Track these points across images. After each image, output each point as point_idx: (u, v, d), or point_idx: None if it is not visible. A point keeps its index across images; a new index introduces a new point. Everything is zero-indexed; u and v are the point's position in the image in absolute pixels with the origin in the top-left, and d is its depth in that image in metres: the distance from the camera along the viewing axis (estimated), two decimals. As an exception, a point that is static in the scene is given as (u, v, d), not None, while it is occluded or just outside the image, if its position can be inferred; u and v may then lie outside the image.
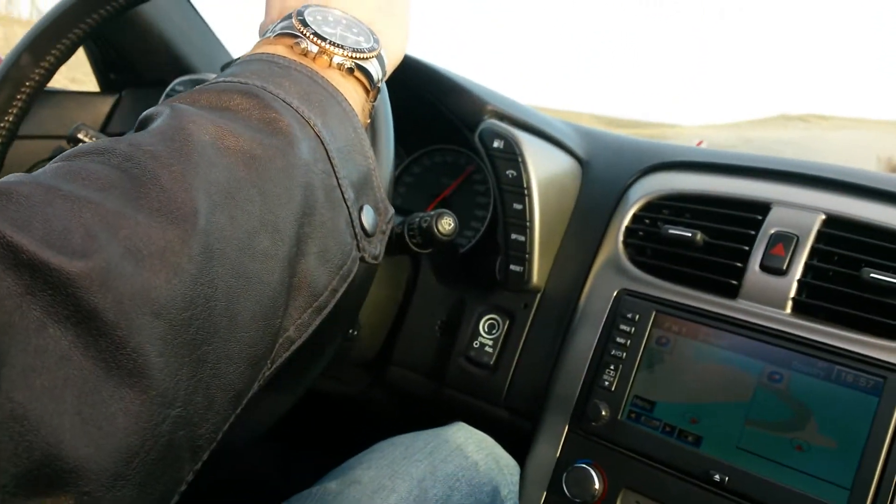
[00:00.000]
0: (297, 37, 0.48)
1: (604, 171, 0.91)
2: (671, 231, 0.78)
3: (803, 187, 0.77)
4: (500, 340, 0.87)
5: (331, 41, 0.48)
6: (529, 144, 0.86)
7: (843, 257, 0.70)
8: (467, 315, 0.91)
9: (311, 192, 0.42)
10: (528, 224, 0.84)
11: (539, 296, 0.87)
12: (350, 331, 0.84)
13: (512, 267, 0.86)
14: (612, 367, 0.77)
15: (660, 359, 0.75)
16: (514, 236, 0.85)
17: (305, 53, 0.48)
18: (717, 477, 0.69)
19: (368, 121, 0.58)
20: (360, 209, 0.48)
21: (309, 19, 0.49)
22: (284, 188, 0.39)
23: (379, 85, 0.54)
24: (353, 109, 0.50)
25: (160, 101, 1.06)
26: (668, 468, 0.71)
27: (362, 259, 0.48)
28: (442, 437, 0.76)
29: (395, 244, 0.76)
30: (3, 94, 0.74)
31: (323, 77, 0.48)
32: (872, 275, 0.67)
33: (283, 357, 0.41)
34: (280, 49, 0.49)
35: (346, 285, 0.45)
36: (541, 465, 0.79)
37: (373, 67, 0.52)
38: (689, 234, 0.77)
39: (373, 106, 0.57)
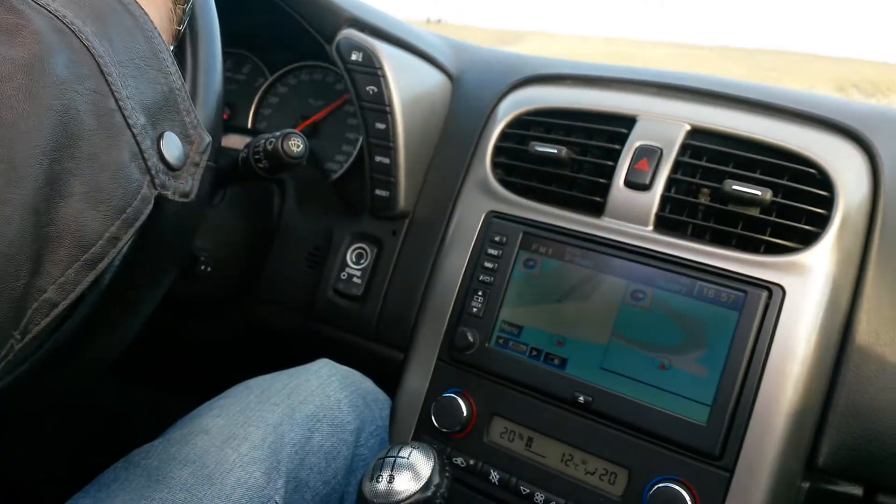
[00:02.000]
0: None
1: (474, 87, 0.86)
2: (538, 148, 0.74)
3: (670, 98, 0.74)
4: (369, 270, 0.83)
5: None
6: (392, 58, 0.79)
7: (707, 169, 0.68)
8: (335, 245, 0.85)
9: (70, 117, 0.33)
10: (391, 145, 0.79)
11: (407, 221, 0.83)
12: (201, 266, 0.77)
13: (377, 192, 0.81)
14: (480, 293, 0.74)
15: (527, 281, 0.72)
16: (377, 158, 0.80)
17: None
18: (581, 398, 0.67)
19: (179, 28, 0.49)
20: (159, 137, 0.40)
21: None
22: (24, 113, 0.32)
23: None
24: (147, 16, 0.42)
25: None
26: (536, 392, 0.70)
27: (163, 198, 0.41)
28: (303, 376, 0.71)
29: (242, 171, 0.69)
30: None
31: None
32: (735, 186, 0.65)
33: (43, 324, 0.34)
34: None
35: (132, 231, 0.37)
36: (411, 397, 0.76)
37: None
38: (556, 151, 0.73)
39: (184, 11, 0.49)
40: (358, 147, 0.94)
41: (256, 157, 0.68)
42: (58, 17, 0.35)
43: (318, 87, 1.01)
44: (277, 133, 0.68)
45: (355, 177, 0.93)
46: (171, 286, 0.59)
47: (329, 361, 0.75)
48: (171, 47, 0.48)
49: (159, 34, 0.42)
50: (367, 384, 0.76)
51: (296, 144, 0.66)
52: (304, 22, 0.82)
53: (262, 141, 0.68)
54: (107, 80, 0.37)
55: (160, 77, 0.41)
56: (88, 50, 0.36)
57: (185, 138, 0.43)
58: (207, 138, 0.45)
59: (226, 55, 1.09)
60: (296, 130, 0.68)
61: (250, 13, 0.91)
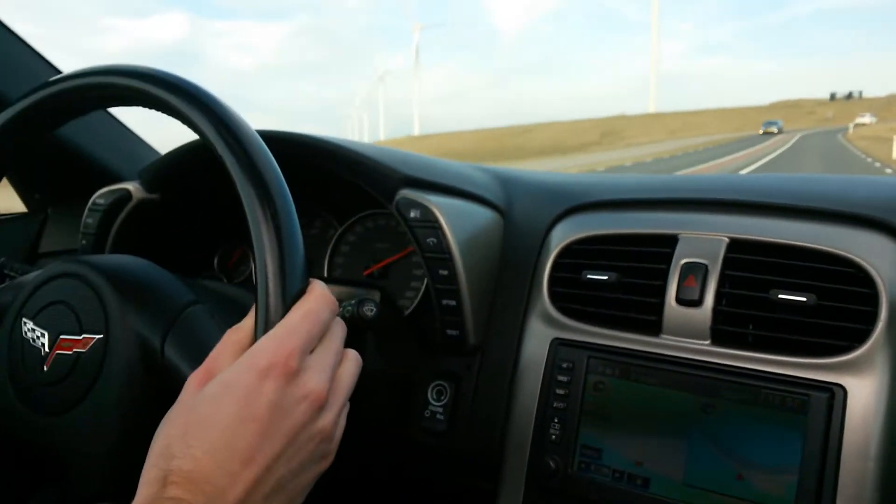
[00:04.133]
0: None
1: (523, 219, 0.92)
2: (589, 276, 0.79)
3: (708, 212, 0.78)
4: (450, 405, 0.88)
5: None
6: (446, 208, 0.87)
7: (753, 280, 0.71)
8: (414, 386, 0.91)
9: None
10: (455, 288, 0.85)
11: (479, 355, 0.88)
12: None
13: (448, 332, 0.87)
14: (556, 419, 0.78)
15: (599, 404, 0.76)
16: (444, 302, 0.86)
17: None
18: None
19: None
20: None
21: None
22: None
23: None
24: None
25: (84, 216, 1.07)
26: None
27: None
28: None
29: None
30: None
31: None
32: (781, 295, 0.68)
33: None
34: None
35: None
36: (506, 529, 0.80)
37: None
38: (606, 277, 0.78)
39: None
40: (424, 283, 1.01)
41: None
42: None
43: (383, 231, 1.10)
44: (353, 301, 0.76)
45: (426, 312, 0.99)
46: None
47: None
48: None
49: None
50: None
51: (369, 310, 0.74)
52: (364, 186, 0.91)
53: (340, 309, 0.76)
54: None
55: None
56: None
57: None
58: None
59: (298, 211, 1.20)
60: (368, 297, 0.75)
61: (317, 178, 1.02)
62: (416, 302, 1.01)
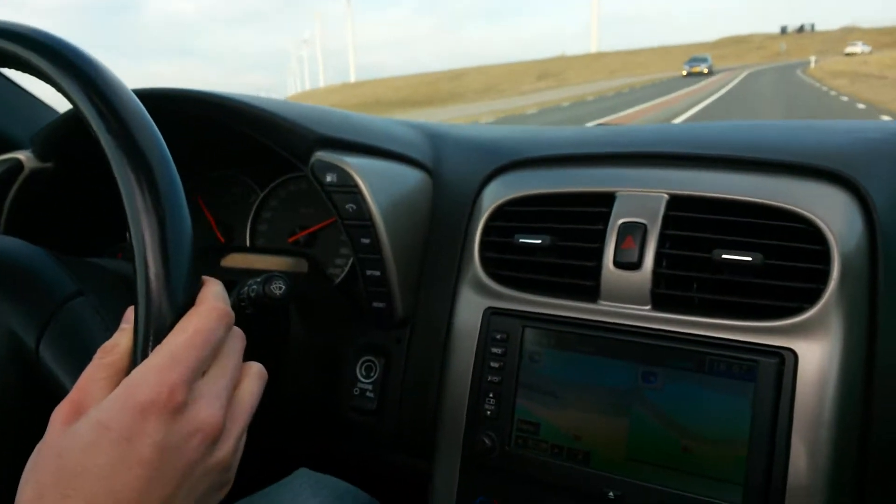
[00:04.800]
0: None
1: (453, 179, 0.85)
2: (521, 240, 0.73)
3: (647, 167, 0.72)
4: (380, 382, 0.82)
5: None
6: (366, 170, 0.79)
7: (694, 240, 0.66)
8: (342, 362, 0.85)
9: None
10: (379, 258, 0.78)
11: (409, 328, 0.82)
12: None
13: (374, 304, 0.81)
14: (491, 394, 0.73)
15: (536, 376, 0.71)
16: (368, 272, 0.80)
17: None
18: (611, 494, 0.65)
19: None
20: None
21: None
22: None
23: None
24: None
25: None
26: (564, 491, 0.68)
27: None
28: (277, 493, 0.71)
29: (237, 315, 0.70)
30: None
31: None
32: (725, 255, 0.63)
33: None
34: None
35: None
36: (442, 507, 0.75)
37: None
38: (539, 241, 0.72)
39: None
40: None
41: (242, 304, 0.70)
42: None
43: (307, 196, 1.02)
44: (258, 279, 0.69)
45: (358, 280, 0.93)
46: None
47: (306, 471, 0.74)
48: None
49: None
50: (342, 485, 0.75)
51: (277, 287, 0.68)
52: (276, 148, 0.83)
53: (245, 288, 0.69)
54: None
55: None
56: None
57: None
58: None
59: (214, 178, 1.11)
60: (276, 273, 0.68)
61: (230, 140, 0.93)
62: (345, 270, 0.94)
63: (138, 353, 0.44)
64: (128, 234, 0.49)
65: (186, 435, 0.41)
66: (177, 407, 0.41)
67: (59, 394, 0.46)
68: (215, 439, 0.42)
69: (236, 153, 1.02)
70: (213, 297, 0.46)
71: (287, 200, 1.04)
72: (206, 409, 0.42)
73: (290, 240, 1.01)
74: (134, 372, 0.42)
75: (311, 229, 0.99)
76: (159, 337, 0.44)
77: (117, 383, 0.42)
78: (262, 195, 1.05)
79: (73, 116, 0.92)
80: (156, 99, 0.74)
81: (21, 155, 0.94)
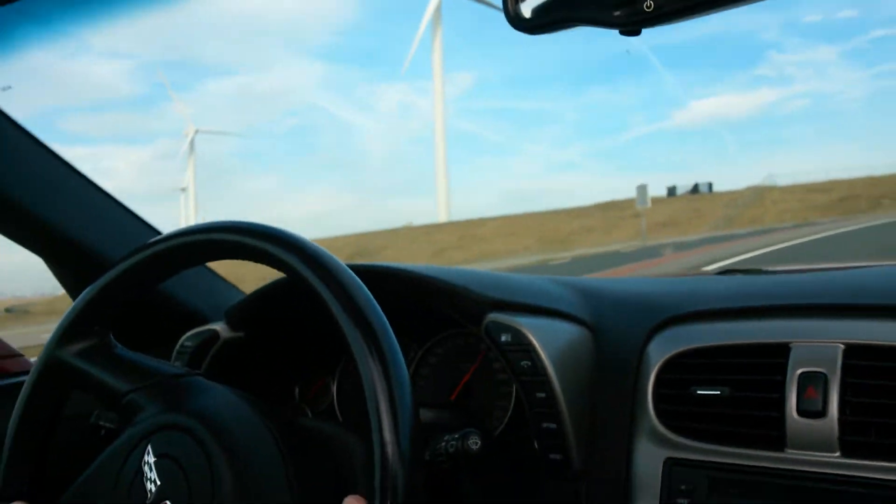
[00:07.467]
0: None
1: (615, 333, 0.91)
2: (699, 392, 0.77)
3: (817, 318, 0.76)
4: None
5: None
6: (537, 330, 0.85)
7: (878, 387, 0.68)
8: None
9: None
10: (555, 411, 0.83)
11: (586, 480, 0.85)
12: None
13: (551, 456, 0.85)
14: None
15: (727, 527, 0.72)
16: (544, 425, 0.84)
17: None
18: None
19: None
20: None
21: None
22: None
23: None
24: None
25: (172, 359, 1.08)
26: None
27: None
28: None
29: (428, 473, 0.74)
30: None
31: None
32: None
33: None
34: None
35: None
36: None
37: None
38: (718, 392, 0.75)
39: None
40: (513, 400, 0.98)
41: (439, 458, 0.74)
42: None
43: (461, 350, 1.09)
44: (455, 435, 0.74)
45: (516, 432, 0.97)
46: None
47: None
48: None
49: None
50: None
51: (474, 443, 0.71)
52: (451, 313, 0.91)
53: (443, 444, 0.74)
54: None
55: None
56: None
57: None
58: None
59: None
60: (472, 429, 0.73)
61: (402, 308, 1.02)
62: (504, 423, 0.99)
63: None
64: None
65: None
66: None
67: None
68: None
69: (399, 316, 1.11)
70: None
71: (444, 357, 1.11)
72: None
73: (453, 396, 1.06)
74: None
75: (465, 379, 1.05)
76: None
77: None
78: (419, 353, 1.12)
79: (261, 295, 1.04)
80: (361, 274, 0.84)
81: (216, 326, 1.05)
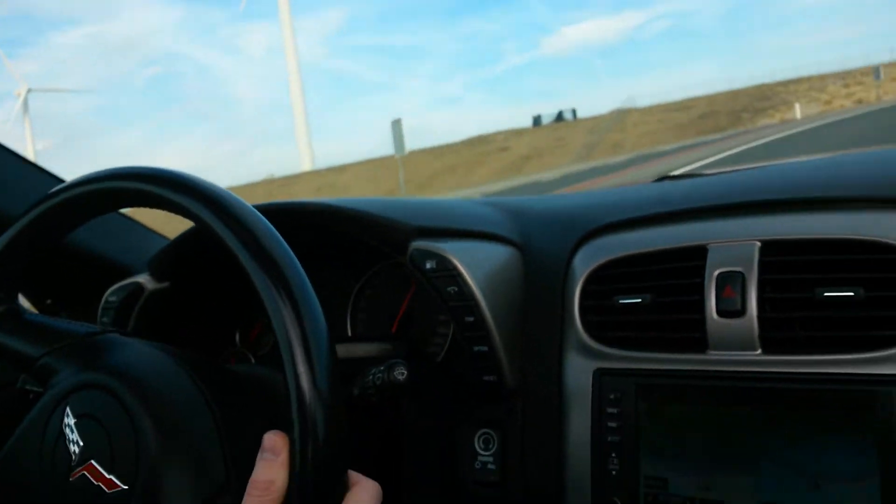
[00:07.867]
0: None
1: (542, 250, 0.90)
2: (621, 301, 0.76)
3: (733, 217, 0.75)
4: (500, 454, 0.85)
5: None
6: (462, 253, 0.84)
7: (794, 281, 0.68)
8: (459, 438, 0.89)
9: None
10: (485, 334, 0.82)
11: (520, 398, 0.85)
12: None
13: (485, 377, 0.85)
14: (613, 454, 0.75)
15: (656, 431, 0.73)
16: (476, 348, 0.84)
17: None
18: None
19: None
20: None
21: None
22: None
23: None
24: None
25: (98, 315, 1.05)
26: None
27: None
28: None
29: (358, 406, 0.74)
30: None
31: None
32: (826, 293, 0.65)
33: None
34: None
35: None
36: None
37: None
38: (640, 300, 0.75)
39: None
40: (451, 329, 0.98)
41: (368, 392, 0.74)
42: None
43: (399, 280, 1.07)
44: (381, 367, 0.73)
45: (457, 358, 0.97)
46: None
47: None
48: None
49: None
50: None
51: (400, 373, 0.71)
52: (374, 242, 0.89)
53: (370, 377, 0.73)
54: None
55: None
56: None
57: None
58: None
59: (313, 275, 1.18)
60: (397, 360, 0.73)
61: (326, 240, 1.00)
62: (445, 349, 0.99)
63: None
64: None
65: None
66: None
67: None
68: None
69: (328, 251, 1.09)
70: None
71: (382, 288, 1.09)
72: None
73: (394, 329, 1.05)
74: None
75: (402, 310, 1.04)
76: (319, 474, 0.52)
77: None
78: (356, 288, 1.11)
79: (183, 241, 1.01)
80: (272, 214, 0.81)
81: (140, 279, 1.02)
